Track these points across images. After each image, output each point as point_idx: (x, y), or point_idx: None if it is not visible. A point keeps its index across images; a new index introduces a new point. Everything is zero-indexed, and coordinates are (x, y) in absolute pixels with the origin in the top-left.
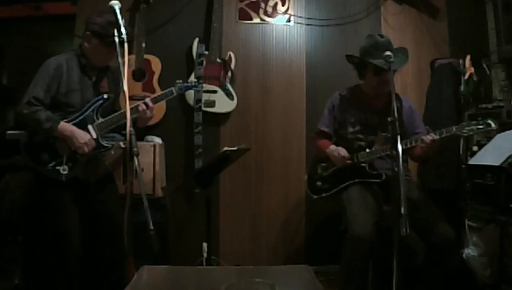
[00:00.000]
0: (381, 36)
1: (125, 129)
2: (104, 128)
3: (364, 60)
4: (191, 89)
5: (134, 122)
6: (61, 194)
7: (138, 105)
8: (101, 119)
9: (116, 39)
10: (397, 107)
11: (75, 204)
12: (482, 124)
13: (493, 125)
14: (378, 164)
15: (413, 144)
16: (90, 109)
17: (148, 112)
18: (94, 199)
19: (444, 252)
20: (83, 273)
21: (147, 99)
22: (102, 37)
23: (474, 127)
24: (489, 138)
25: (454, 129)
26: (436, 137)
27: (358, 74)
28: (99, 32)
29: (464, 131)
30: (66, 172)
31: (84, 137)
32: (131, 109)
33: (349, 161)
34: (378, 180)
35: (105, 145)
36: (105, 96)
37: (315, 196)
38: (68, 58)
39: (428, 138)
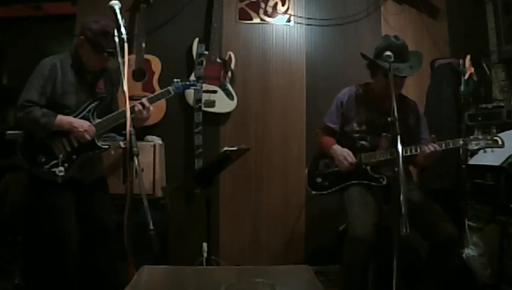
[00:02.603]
0: (397, 39)
1: (124, 129)
2: (101, 129)
3: (376, 62)
4: (188, 88)
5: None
6: (58, 195)
7: (134, 105)
8: (97, 120)
9: (118, 40)
10: (411, 113)
11: (72, 204)
12: (489, 140)
13: (500, 142)
14: (380, 166)
15: (414, 152)
16: (86, 110)
17: (144, 112)
18: (86, 201)
19: (447, 250)
20: (82, 273)
21: (144, 100)
22: (93, 44)
23: (481, 142)
24: None
25: (461, 142)
26: (439, 148)
27: (370, 73)
28: (91, 40)
29: (471, 145)
30: (62, 174)
31: (84, 124)
32: (113, 116)
33: (353, 167)
34: (379, 185)
35: (101, 146)
36: (100, 96)
37: (314, 192)
38: (63, 59)
39: (430, 148)
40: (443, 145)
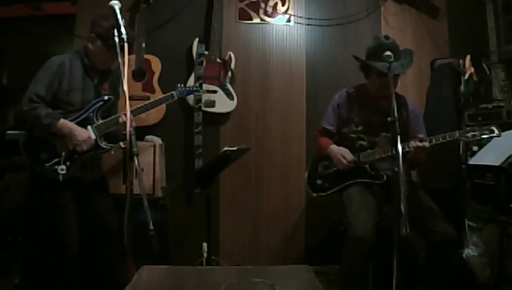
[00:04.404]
0: (387, 38)
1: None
2: (104, 130)
3: (367, 63)
4: (192, 93)
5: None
6: (60, 194)
7: (119, 116)
8: (100, 121)
9: (118, 40)
10: (402, 109)
11: (73, 204)
12: (486, 131)
13: (497, 131)
14: (379, 164)
15: (406, 149)
16: (91, 110)
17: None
18: (86, 200)
19: (445, 250)
20: (82, 273)
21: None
22: (106, 39)
23: (477, 133)
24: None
25: (457, 134)
26: (427, 145)
27: (363, 75)
28: (103, 35)
29: (467, 137)
30: (63, 172)
31: (83, 135)
32: (112, 119)
33: (352, 165)
34: (379, 182)
35: (104, 146)
36: (106, 97)
37: (315, 194)
38: (72, 58)
39: (417, 143)
40: (440, 138)
